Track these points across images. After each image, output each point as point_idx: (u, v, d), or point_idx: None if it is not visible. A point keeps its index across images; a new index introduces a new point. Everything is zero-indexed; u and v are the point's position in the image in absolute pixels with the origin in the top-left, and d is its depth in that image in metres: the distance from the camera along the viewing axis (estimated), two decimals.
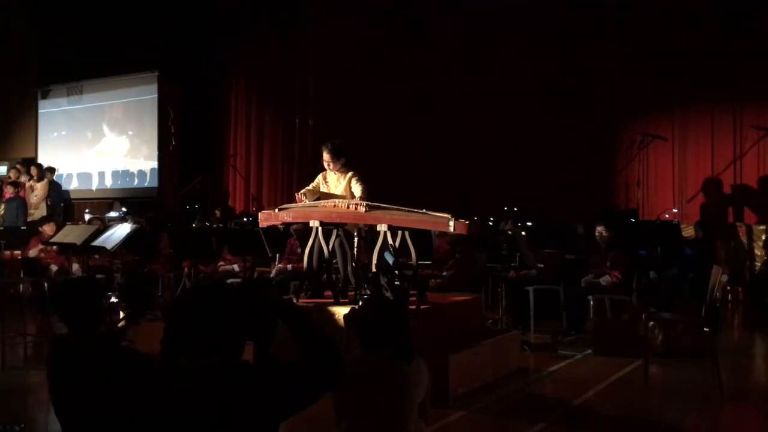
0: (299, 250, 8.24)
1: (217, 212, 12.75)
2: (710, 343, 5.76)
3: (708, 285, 5.93)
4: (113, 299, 2.95)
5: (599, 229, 7.76)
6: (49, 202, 13.75)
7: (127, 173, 15.72)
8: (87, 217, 12.79)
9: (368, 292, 5.68)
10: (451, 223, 5.64)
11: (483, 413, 5.17)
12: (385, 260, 5.62)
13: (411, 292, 5.64)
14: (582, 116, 11.95)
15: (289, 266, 8.71)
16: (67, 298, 2.87)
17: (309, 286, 6.17)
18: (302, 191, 6.29)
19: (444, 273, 8.07)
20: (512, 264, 8.17)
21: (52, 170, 14.55)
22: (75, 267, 8.21)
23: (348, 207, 5.89)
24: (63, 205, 14.03)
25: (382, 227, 5.77)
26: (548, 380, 6.25)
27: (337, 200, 6.04)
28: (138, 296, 2.69)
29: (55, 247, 8.73)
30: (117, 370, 2.64)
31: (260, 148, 15.42)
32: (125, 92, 15.73)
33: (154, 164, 15.28)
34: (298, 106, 14.83)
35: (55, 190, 14.07)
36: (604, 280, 7.50)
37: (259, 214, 6.47)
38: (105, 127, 16.14)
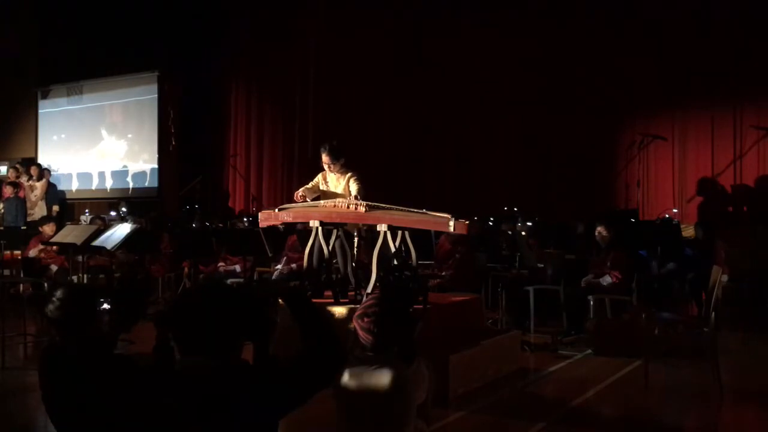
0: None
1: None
2: (710, 343, 5.76)
3: (708, 285, 5.93)
4: (105, 306, 2.92)
5: (599, 229, 7.75)
6: (47, 202, 13.76)
7: (127, 173, 15.72)
8: (84, 218, 12.78)
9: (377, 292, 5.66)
10: (451, 223, 5.64)
11: (483, 413, 5.17)
12: (387, 260, 5.62)
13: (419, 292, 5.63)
14: (582, 116, 11.95)
15: (293, 265, 8.70)
16: (59, 308, 2.83)
17: (309, 286, 6.18)
18: (301, 190, 6.32)
19: (443, 273, 8.07)
20: (516, 265, 8.15)
21: (49, 171, 14.58)
22: None
23: (348, 207, 5.90)
24: (58, 206, 14.03)
25: (382, 227, 5.78)
26: (548, 380, 6.24)
27: (337, 200, 6.05)
28: (129, 305, 2.68)
29: (55, 247, 8.73)
30: (110, 378, 2.61)
31: (260, 148, 15.43)
32: (125, 92, 15.74)
33: (154, 164, 15.27)
34: (298, 107, 14.83)
35: (50, 191, 14.10)
36: (605, 280, 7.50)
37: (259, 214, 6.48)
38: (105, 127, 16.14)
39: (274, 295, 2.23)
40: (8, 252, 9.86)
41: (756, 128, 10.91)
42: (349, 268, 6.13)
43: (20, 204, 13.17)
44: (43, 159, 16.06)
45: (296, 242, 8.78)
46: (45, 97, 16.83)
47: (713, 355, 5.70)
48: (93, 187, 16.14)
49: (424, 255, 7.68)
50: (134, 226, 8.57)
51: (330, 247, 6.06)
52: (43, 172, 14.21)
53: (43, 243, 9.21)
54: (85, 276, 8.09)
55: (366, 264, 6.29)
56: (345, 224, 6.13)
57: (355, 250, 6.31)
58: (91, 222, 10.83)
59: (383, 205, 5.88)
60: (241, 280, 8.64)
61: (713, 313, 5.67)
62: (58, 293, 2.84)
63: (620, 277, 7.45)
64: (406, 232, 5.93)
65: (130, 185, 15.64)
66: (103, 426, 2.57)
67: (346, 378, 2.76)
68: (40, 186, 13.86)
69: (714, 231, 9.17)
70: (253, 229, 9.21)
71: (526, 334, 7.28)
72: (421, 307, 5.39)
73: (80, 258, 7.94)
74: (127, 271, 9.59)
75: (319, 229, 6.01)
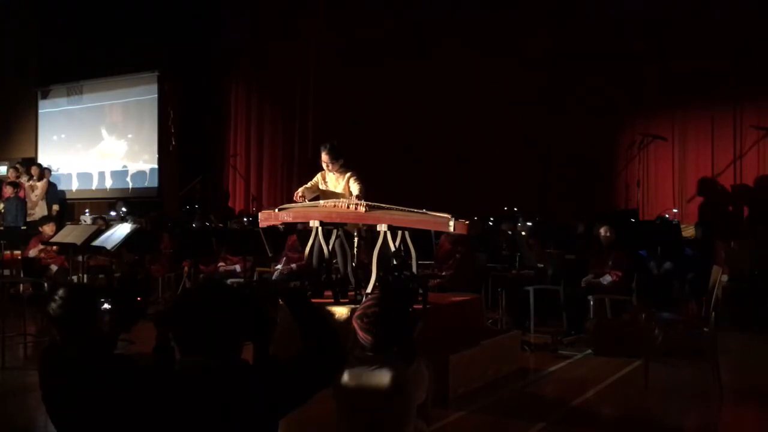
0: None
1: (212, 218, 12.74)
2: (710, 343, 5.76)
3: (708, 285, 5.93)
4: (106, 305, 2.92)
5: (603, 229, 7.75)
6: (47, 202, 13.77)
7: (127, 173, 15.72)
8: (85, 218, 12.77)
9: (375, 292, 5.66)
10: (451, 223, 5.64)
11: (483, 413, 5.17)
12: (387, 260, 5.62)
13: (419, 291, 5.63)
14: (582, 116, 11.95)
15: (293, 265, 8.70)
16: (61, 306, 2.83)
17: (309, 286, 6.18)
18: (301, 189, 6.33)
19: (443, 273, 8.07)
20: (516, 265, 8.15)
21: (49, 170, 14.59)
22: None
23: (348, 207, 5.90)
24: (58, 205, 14.04)
25: (382, 227, 5.78)
26: (548, 380, 6.24)
27: (337, 200, 6.05)
28: (129, 305, 2.67)
29: (55, 247, 8.72)
30: (110, 378, 2.60)
31: (260, 148, 15.42)
32: (125, 92, 15.73)
33: (154, 164, 15.27)
34: (298, 107, 14.83)
35: (50, 190, 14.11)
36: (605, 279, 7.50)
37: (259, 214, 6.49)
38: (105, 127, 16.15)
39: (274, 295, 2.23)
40: (8, 252, 9.85)
41: (756, 128, 10.90)
42: (349, 268, 6.13)
43: (20, 204, 13.16)
44: (43, 159, 16.05)
45: (296, 242, 8.78)
46: (45, 97, 16.83)
47: (713, 355, 5.69)
48: (93, 187, 16.13)
49: (424, 255, 7.67)
50: (134, 226, 8.56)
51: (330, 247, 6.06)
52: (44, 172, 14.21)
53: (43, 243, 9.20)
54: (85, 276, 8.09)
55: (366, 264, 6.29)
56: (345, 224, 6.14)
57: (355, 250, 6.31)
58: (93, 222, 10.82)
59: (383, 205, 5.88)
60: (241, 280, 8.63)
61: (713, 313, 5.67)
62: (60, 292, 2.84)
63: (621, 275, 7.44)
64: (406, 232, 5.93)
65: (130, 185, 15.64)
66: (103, 426, 2.56)
67: (346, 378, 2.76)
68: (40, 186, 13.86)
69: (714, 231, 9.16)
70: (253, 229, 9.21)
71: (526, 334, 7.28)
72: (421, 307, 5.41)
73: (80, 258, 7.94)
74: (127, 271, 9.59)
75: (319, 229, 6.01)
